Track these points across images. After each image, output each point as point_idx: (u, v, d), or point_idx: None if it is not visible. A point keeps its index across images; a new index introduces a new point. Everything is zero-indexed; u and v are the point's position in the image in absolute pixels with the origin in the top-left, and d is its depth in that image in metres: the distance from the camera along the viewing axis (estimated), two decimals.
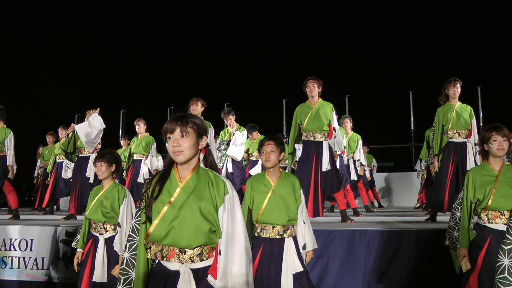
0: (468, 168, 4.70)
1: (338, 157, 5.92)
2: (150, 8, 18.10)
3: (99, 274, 3.11)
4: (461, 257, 2.78)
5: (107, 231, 3.19)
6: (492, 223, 2.73)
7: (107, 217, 3.16)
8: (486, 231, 2.74)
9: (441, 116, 4.91)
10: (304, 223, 2.88)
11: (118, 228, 3.15)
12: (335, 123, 4.98)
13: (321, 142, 4.90)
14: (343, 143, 6.14)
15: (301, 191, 2.92)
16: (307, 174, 4.81)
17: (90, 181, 5.75)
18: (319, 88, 4.98)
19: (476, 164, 4.75)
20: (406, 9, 15.92)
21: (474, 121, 4.88)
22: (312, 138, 4.92)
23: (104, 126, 5.70)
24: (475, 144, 4.85)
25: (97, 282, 3.11)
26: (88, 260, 3.16)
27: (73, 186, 5.95)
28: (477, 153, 4.84)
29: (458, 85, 4.88)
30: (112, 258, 3.15)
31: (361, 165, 6.86)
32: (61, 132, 7.41)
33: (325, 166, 4.82)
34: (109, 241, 3.17)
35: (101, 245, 3.15)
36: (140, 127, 6.86)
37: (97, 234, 3.19)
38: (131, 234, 1.88)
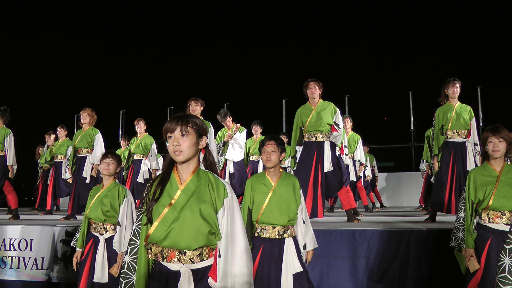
0: (468, 168, 4.70)
1: (338, 157, 5.91)
2: (150, 8, 18.09)
3: (99, 274, 3.11)
4: (468, 257, 2.77)
5: (107, 231, 3.18)
6: (493, 223, 2.74)
7: (107, 216, 3.15)
8: (487, 231, 2.75)
9: (441, 116, 4.92)
10: (304, 223, 2.88)
11: (117, 227, 3.14)
12: (339, 120, 4.96)
13: (323, 142, 4.90)
14: (344, 142, 6.14)
15: (301, 191, 2.92)
16: (306, 174, 4.80)
17: (86, 181, 5.74)
18: (319, 90, 4.98)
19: (476, 164, 4.75)
20: (406, 9, 15.92)
21: (473, 121, 4.88)
22: (313, 139, 4.92)
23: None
24: (475, 144, 4.85)
25: (96, 283, 3.11)
26: (88, 260, 3.16)
27: (72, 187, 5.95)
28: (477, 153, 4.84)
29: (457, 85, 4.88)
30: (112, 258, 3.14)
31: (361, 164, 6.86)
32: (60, 132, 7.40)
33: (327, 166, 4.82)
34: (109, 241, 3.16)
35: (101, 245, 3.15)
36: (141, 126, 6.85)
37: (97, 234, 3.18)
38: (133, 238, 1.89)
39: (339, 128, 4.94)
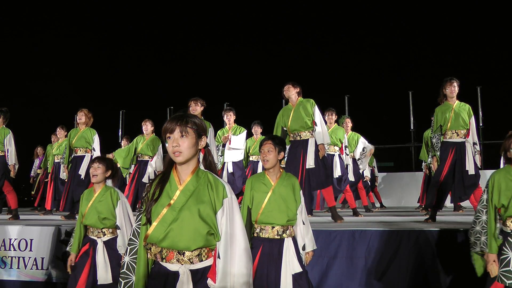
0: (467, 168, 4.68)
1: (338, 156, 5.91)
2: (150, 7, 18.09)
3: (103, 276, 3.10)
4: (490, 262, 2.66)
5: (105, 234, 3.18)
6: None
7: (104, 223, 3.16)
8: (510, 237, 2.62)
9: (440, 115, 4.90)
10: (303, 223, 2.87)
11: (118, 231, 3.14)
12: (316, 117, 4.99)
13: (307, 139, 4.95)
14: (345, 142, 6.15)
15: (301, 192, 2.91)
16: (295, 173, 4.82)
17: (81, 178, 5.78)
18: (295, 89, 5.07)
19: (475, 163, 4.73)
20: (406, 9, 15.92)
21: (472, 120, 4.85)
22: (298, 138, 4.99)
23: None
24: (474, 144, 4.82)
25: (100, 284, 3.09)
26: (87, 262, 3.13)
27: (67, 184, 5.97)
28: (476, 153, 4.82)
29: (455, 84, 4.86)
30: (113, 259, 3.13)
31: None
32: (59, 132, 7.40)
33: (309, 163, 4.85)
34: (107, 243, 3.16)
35: (100, 247, 3.14)
36: (148, 127, 6.80)
37: (95, 238, 3.17)
38: (132, 238, 1.88)
39: (316, 124, 4.96)
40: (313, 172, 4.86)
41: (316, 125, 4.95)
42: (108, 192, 3.22)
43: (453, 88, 4.85)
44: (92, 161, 3.31)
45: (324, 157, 4.98)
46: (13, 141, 5.84)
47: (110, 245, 3.16)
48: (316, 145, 4.92)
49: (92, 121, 6.10)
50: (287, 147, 5.02)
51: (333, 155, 5.94)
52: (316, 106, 5.02)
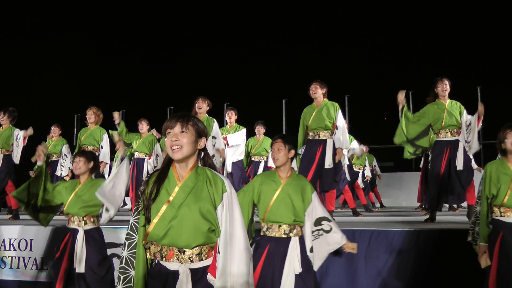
0: (456, 164, 4.67)
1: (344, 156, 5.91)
2: (150, 7, 18.10)
3: (77, 265, 3.14)
4: (481, 252, 2.76)
5: (86, 223, 3.23)
6: (504, 216, 2.74)
7: (87, 211, 3.22)
8: (498, 225, 2.74)
9: (431, 114, 4.88)
10: (329, 220, 2.88)
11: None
12: (338, 122, 5.01)
13: (325, 140, 4.96)
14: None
15: (313, 194, 2.88)
16: (306, 170, 4.84)
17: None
18: (322, 89, 5.10)
19: (467, 160, 4.72)
20: (406, 9, 15.92)
21: (464, 118, 4.85)
22: (317, 137, 5.01)
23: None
24: (466, 142, 4.81)
25: (76, 272, 3.15)
26: (66, 253, 3.18)
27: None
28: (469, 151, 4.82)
29: (447, 82, 4.85)
30: (92, 249, 3.18)
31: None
32: (54, 131, 7.35)
33: (328, 162, 4.86)
34: (88, 233, 3.21)
35: (80, 236, 3.18)
36: (143, 126, 6.85)
37: (76, 227, 3.23)
38: (130, 232, 1.87)
39: (337, 128, 4.96)
40: (325, 172, 4.88)
41: (337, 129, 4.97)
42: (93, 182, 3.28)
43: (444, 86, 4.85)
44: (73, 157, 3.40)
45: (340, 161, 5.02)
46: (20, 140, 5.90)
47: (91, 235, 3.22)
48: (334, 148, 4.94)
49: (102, 118, 6.09)
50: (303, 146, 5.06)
51: None
52: (339, 110, 5.06)
